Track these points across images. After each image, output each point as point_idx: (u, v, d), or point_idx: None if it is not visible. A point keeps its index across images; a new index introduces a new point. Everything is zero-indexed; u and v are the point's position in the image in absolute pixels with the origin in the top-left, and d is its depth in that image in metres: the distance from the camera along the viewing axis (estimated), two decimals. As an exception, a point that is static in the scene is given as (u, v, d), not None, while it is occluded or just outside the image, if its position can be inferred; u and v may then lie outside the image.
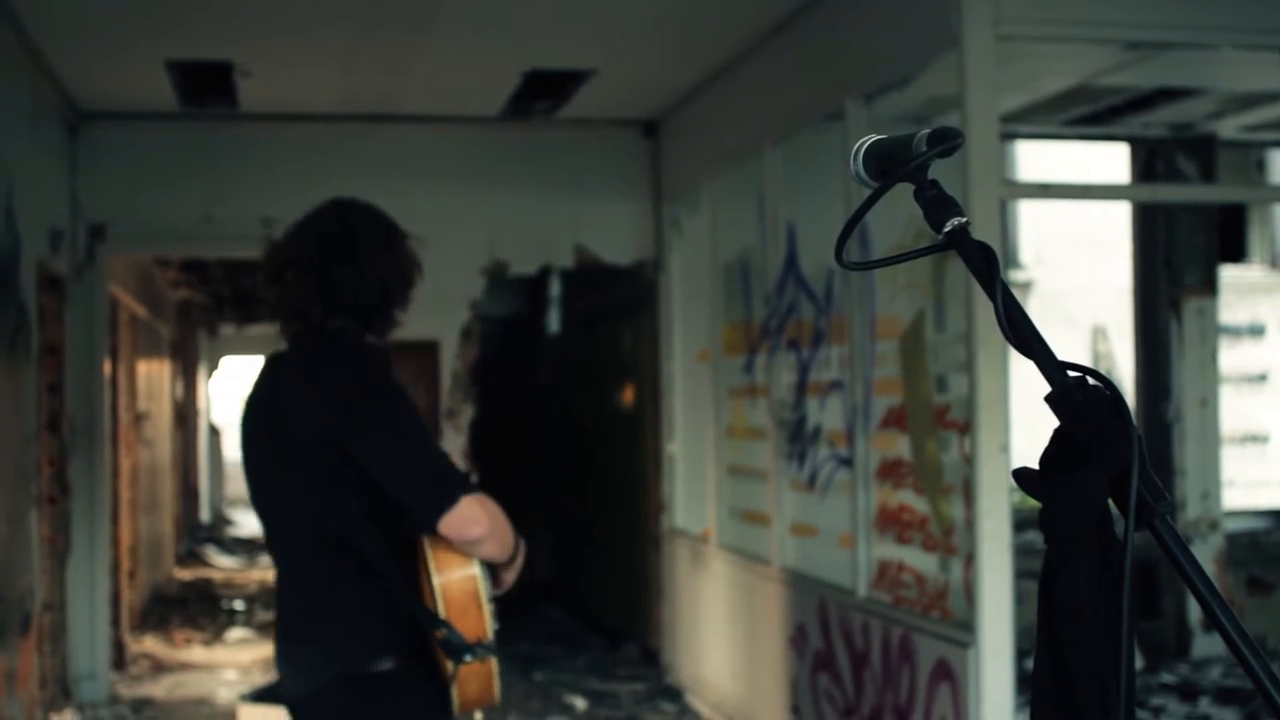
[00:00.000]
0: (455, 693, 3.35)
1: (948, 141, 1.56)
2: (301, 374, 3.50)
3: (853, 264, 1.65)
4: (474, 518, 3.28)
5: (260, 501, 3.60)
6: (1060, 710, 1.51)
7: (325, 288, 3.48)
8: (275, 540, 3.61)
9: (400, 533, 3.39)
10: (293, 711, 3.52)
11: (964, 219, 1.57)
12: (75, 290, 8.96)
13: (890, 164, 1.61)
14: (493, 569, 3.50)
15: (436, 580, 3.31)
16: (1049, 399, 1.49)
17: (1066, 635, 1.49)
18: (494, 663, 3.38)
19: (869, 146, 1.65)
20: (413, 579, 3.39)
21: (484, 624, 3.34)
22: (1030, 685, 1.54)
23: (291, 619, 3.55)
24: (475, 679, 3.36)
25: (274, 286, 3.57)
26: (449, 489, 3.29)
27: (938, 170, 1.58)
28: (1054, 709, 1.52)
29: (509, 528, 3.45)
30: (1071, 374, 1.48)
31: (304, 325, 3.52)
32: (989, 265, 1.54)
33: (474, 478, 3.53)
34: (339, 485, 3.36)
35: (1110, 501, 1.46)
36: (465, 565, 3.35)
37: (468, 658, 3.30)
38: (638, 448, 10.43)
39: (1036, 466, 1.52)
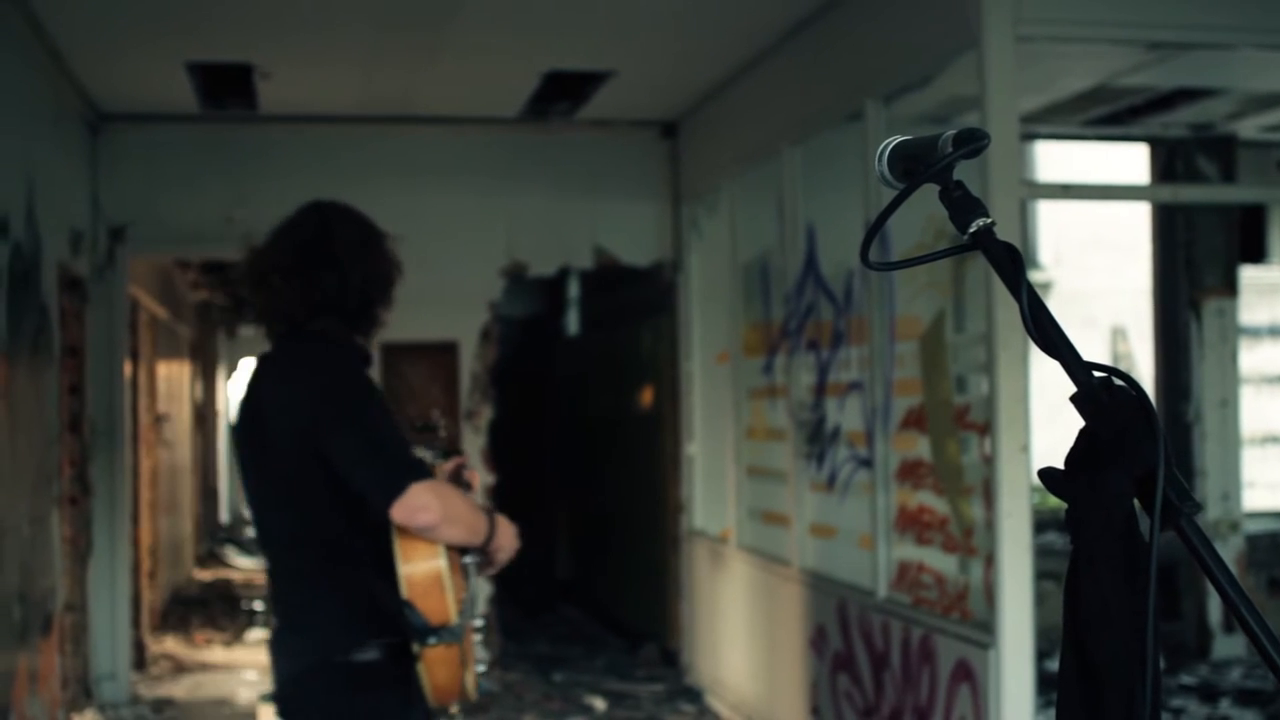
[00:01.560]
0: (425, 678, 3.42)
1: (974, 142, 1.57)
2: (279, 374, 3.63)
3: (879, 264, 1.65)
4: (423, 504, 3.34)
5: (249, 498, 3.70)
6: (1086, 711, 1.51)
7: (307, 292, 3.59)
8: (261, 535, 3.73)
9: (380, 524, 3.46)
10: (275, 699, 3.63)
11: (989, 219, 1.57)
12: (96, 291, 8.99)
13: (916, 165, 1.62)
14: (484, 553, 3.58)
15: (401, 567, 3.41)
16: (1074, 399, 1.49)
17: (1091, 635, 1.49)
18: (459, 651, 3.43)
19: (894, 147, 1.65)
20: (390, 569, 3.46)
21: (447, 609, 3.40)
22: (1055, 686, 1.54)
23: (279, 611, 3.67)
24: (442, 665, 3.42)
25: (258, 291, 3.67)
26: (399, 477, 3.36)
27: (958, 172, 1.59)
28: (1080, 710, 1.52)
29: (472, 512, 3.49)
30: (1097, 374, 1.48)
31: (287, 328, 3.65)
32: (1015, 266, 1.54)
33: (478, 479, 3.62)
34: (314, 480, 3.46)
35: (1136, 502, 1.46)
36: (430, 552, 3.42)
37: (431, 640, 3.37)
38: (657, 449, 10.43)
39: (1062, 466, 1.52)
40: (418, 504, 3.34)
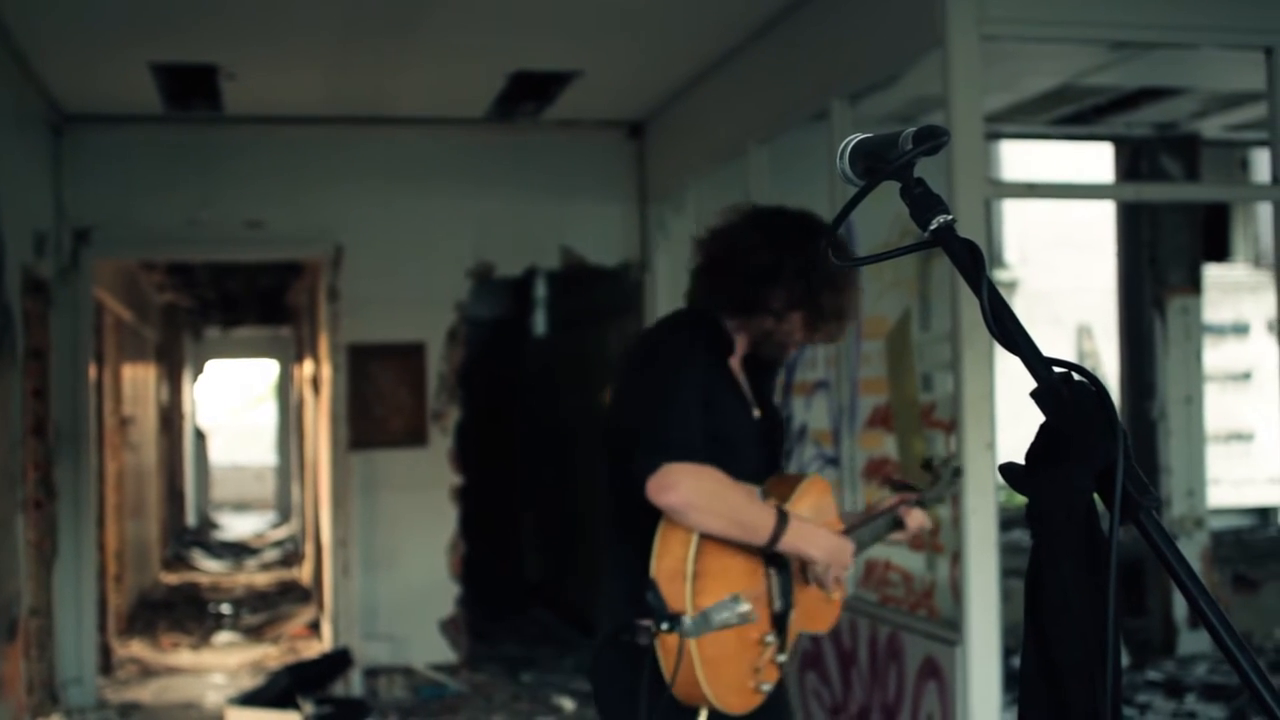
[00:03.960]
0: (662, 662, 3.30)
1: (934, 139, 1.57)
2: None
3: (841, 261, 1.66)
4: (670, 484, 3.23)
5: None
6: (1049, 704, 1.52)
7: (751, 299, 3.53)
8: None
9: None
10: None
11: (950, 216, 1.58)
12: (60, 294, 8.94)
13: (876, 162, 1.62)
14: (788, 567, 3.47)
15: (656, 545, 3.33)
16: (1034, 394, 1.50)
17: (1053, 629, 1.50)
18: (694, 647, 3.26)
19: (855, 145, 1.66)
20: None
21: (684, 598, 3.28)
22: (1018, 683, 1.55)
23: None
24: (672, 656, 3.29)
25: (724, 274, 3.58)
26: (656, 453, 3.26)
27: (923, 170, 1.59)
28: (1042, 703, 1.53)
29: (745, 509, 3.34)
30: (1057, 370, 1.49)
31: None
32: (975, 262, 1.55)
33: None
34: (617, 452, 3.44)
35: (1097, 496, 1.47)
36: (685, 537, 3.31)
37: (663, 626, 3.27)
38: (625, 449, 10.41)
39: (1023, 462, 1.53)
40: (666, 482, 3.23)
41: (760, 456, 3.60)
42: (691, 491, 3.24)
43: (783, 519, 3.37)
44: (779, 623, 3.46)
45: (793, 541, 3.39)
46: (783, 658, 3.49)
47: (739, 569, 3.38)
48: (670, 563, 3.31)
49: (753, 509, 3.35)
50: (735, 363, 3.62)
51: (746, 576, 3.39)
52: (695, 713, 3.38)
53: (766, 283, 3.50)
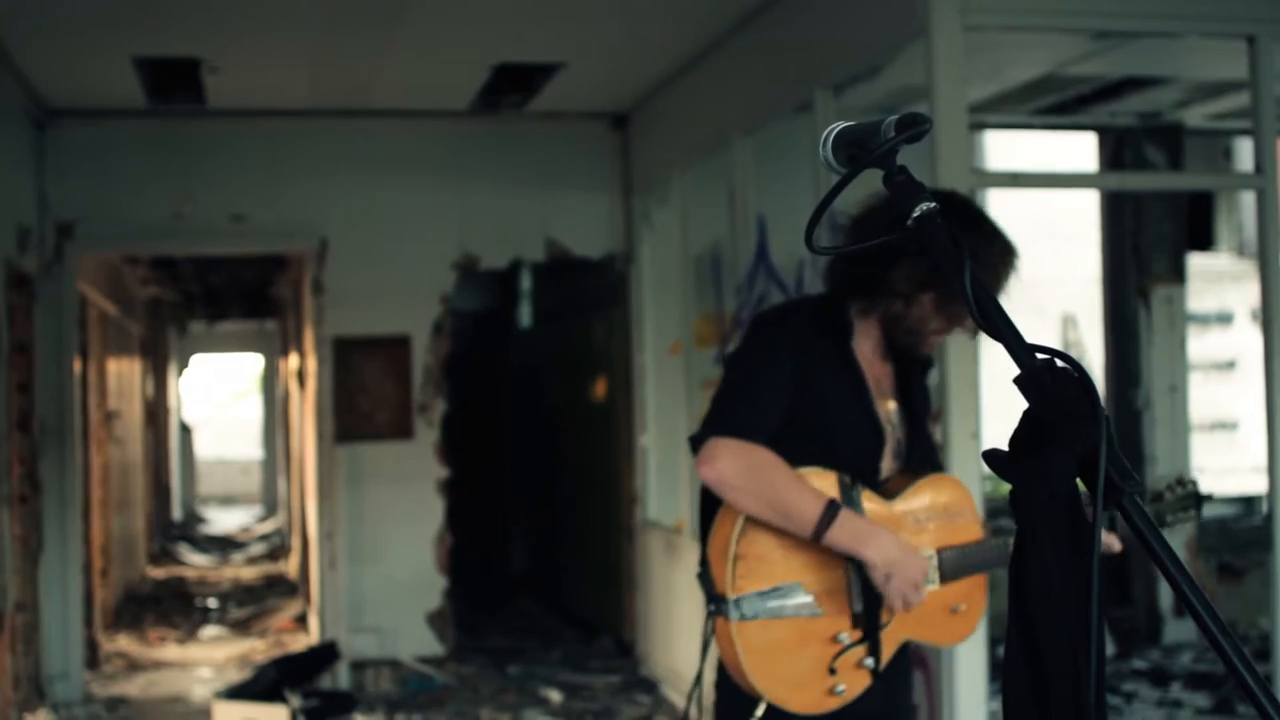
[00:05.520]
0: (716, 644, 3.23)
1: (916, 127, 1.58)
2: None
3: (822, 249, 1.66)
4: (710, 457, 3.20)
5: None
6: (1032, 690, 1.53)
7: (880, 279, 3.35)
8: None
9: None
10: None
11: (933, 204, 1.58)
12: (44, 289, 8.92)
13: (859, 149, 1.63)
14: (863, 571, 3.26)
15: (715, 522, 3.28)
16: (1017, 381, 1.50)
17: (1037, 614, 1.50)
18: (736, 630, 3.17)
19: (838, 133, 1.66)
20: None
21: (725, 581, 3.18)
22: (1002, 669, 1.55)
23: None
24: (724, 641, 3.21)
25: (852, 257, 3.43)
26: (707, 426, 3.25)
27: (907, 161, 1.59)
28: (1026, 689, 1.53)
29: (786, 490, 3.18)
30: (1039, 356, 1.50)
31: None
32: (957, 250, 1.55)
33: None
34: None
35: (1080, 482, 1.47)
36: (732, 516, 3.24)
37: (710, 607, 3.19)
38: (610, 440, 10.43)
39: (1006, 449, 1.54)
40: (708, 455, 3.20)
41: (872, 448, 3.39)
42: (729, 468, 3.17)
43: (831, 511, 3.18)
44: (864, 624, 3.26)
45: (840, 538, 3.19)
46: (870, 662, 3.27)
47: (800, 558, 3.23)
48: (719, 542, 3.23)
49: (796, 495, 3.18)
50: (868, 350, 3.44)
51: (813, 568, 3.23)
52: (755, 703, 3.25)
53: (886, 262, 3.31)
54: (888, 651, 3.30)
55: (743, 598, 3.17)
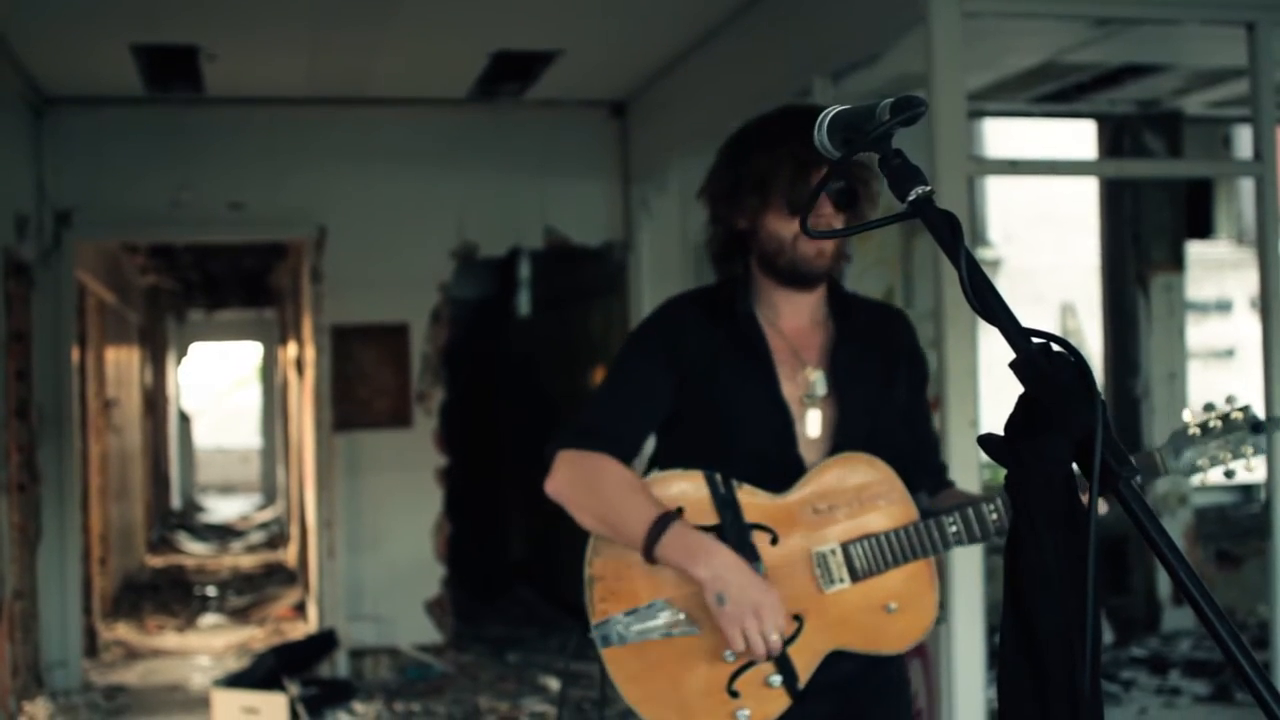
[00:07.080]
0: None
1: (911, 110, 1.57)
2: None
3: (818, 233, 1.65)
4: (551, 471, 2.99)
5: None
6: (1028, 675, 1.52)
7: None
8: None
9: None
10: None
11: (928, 188, 1.57)
12: (42, 277, 8.91)
13: (854, 133, 1.62)
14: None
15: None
16: (1013, 365, 1.50)
17: (1033, 599, 1.50)
18: (607, 658, 2.92)
19: (833, 117, 1.66)
20: None
21: (588, 606, 2.98)
22: (998, 654, 1.55)
23: None
24: (614, 665, 2.94)
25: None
26: (558, 437, 3.03)
27: (906, 149, 1.59)
28: (1022, 674, 1.53)
29: (612, 500, 2.93)
30: (1036, 341, 1.49)
31: None
32: (953, 234, 1.54)
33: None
34: None
35: (1076, 467, 1.47)
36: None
37: (588, 633, 2.94)
38: (609, 429, 10.41)
39: (1002, 433, 1.53)
40: (551, 469, 2.98)
41: (779, 429, 2.97)
42: (564, 481, 2.97)
43: (660, 524, 2.83)
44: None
45: (671, 554, 2.82)
46: (776, 680, 2.86)
47: (663, 572, 2.89)
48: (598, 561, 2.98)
49: (629, 508, 2.89)
50: (790, 318, 3.06)
51: (677, 581, 2.88)
52: None
53: (724, 201, 3.06)
54: (805, 665, 2.87)
55: (606, 622, 2.90)
